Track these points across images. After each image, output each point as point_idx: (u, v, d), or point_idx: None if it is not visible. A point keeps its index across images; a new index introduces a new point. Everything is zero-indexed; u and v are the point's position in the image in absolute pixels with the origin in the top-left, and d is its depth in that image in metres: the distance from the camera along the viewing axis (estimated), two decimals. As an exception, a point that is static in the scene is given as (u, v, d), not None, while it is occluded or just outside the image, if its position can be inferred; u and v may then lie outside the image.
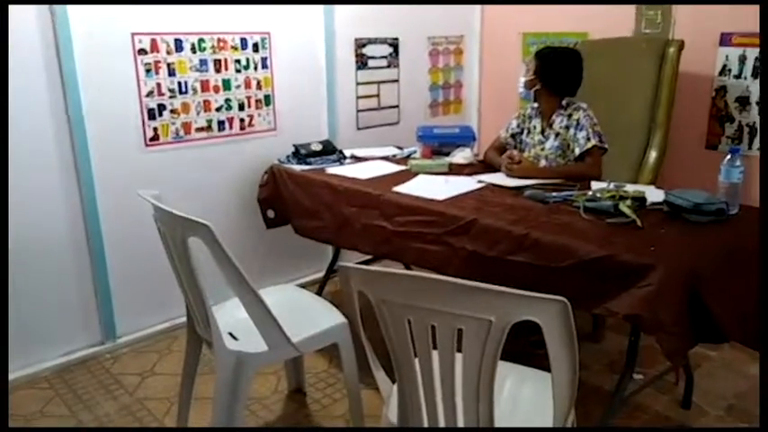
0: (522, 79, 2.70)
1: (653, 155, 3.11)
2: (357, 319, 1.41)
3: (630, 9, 3.43)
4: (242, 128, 3.10)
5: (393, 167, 2.84)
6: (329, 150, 3.01)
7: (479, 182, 2.53)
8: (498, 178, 2.56)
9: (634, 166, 3.12)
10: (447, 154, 2.97)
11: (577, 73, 2.65)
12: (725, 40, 3.15)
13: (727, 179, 2.05)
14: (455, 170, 2.75)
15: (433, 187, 2.44)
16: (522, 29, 3.91)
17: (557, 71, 2.66)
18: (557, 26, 3.73)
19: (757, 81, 3.09)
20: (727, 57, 3.16)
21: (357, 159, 3.05)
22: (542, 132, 2.71)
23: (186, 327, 2.13)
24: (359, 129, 3.61)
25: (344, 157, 3.04)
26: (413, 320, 1.25)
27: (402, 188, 2.46)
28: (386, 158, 3.04)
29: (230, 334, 1.94)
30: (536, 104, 2.79)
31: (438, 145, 3.00)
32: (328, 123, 3.43)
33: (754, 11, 3.00)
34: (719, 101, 3.25)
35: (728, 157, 2.05)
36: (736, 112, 3.20)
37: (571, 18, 3.66)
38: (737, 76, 3.16)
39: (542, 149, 2.69)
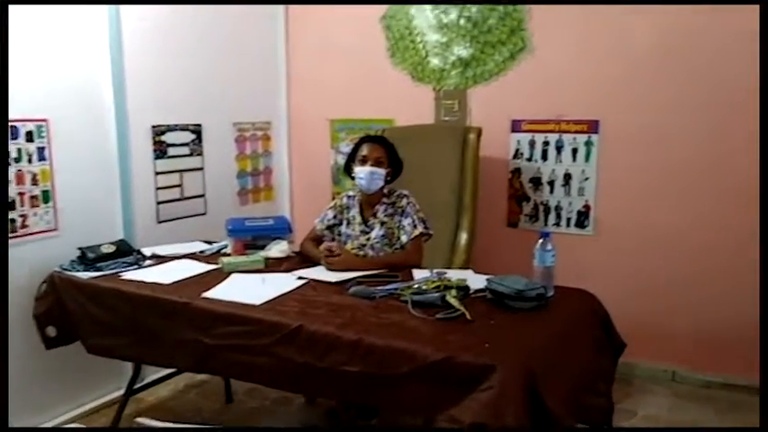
0: (377, 171, 2.53)
1: (464, 237, 3.19)
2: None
3: (431, 97, 3.59)
4: (12, 230, 2.60)
5: (201, 267, 2.55)
6: (124, 251, 2.63)
7: (299, 278, 2.34)
8: (319, 273, 2.40)
9: (447, 248, 3.17)
10: (262, 247, 2.75)
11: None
12: (515, 126, 3.41)
13: (542, 263, 2.10)
14: (272, 266, 2.54)
15: (248, 289, 2.20)
16: (330, 115, 3.91)
17: (398, 158, 2.63)
18: (363, 113, 3.78)
19: (546, 163, 3.37)
20: (518, 141, 3.42)
21: (159, 259, 2.69)
22: (365, 222, 2.63)
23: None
24: (160, 222, 3.25)
25: (144, 258, 2.67)
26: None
27: (214, 293, 2.18)
28: (193, 256, 2.74)
29: None
30: (352, 193, 2.72)
31: (251, 238, 2.77)
32: (123, 219, 3.03)
33: (539, 99, 3.30)
34: (516, 182, 3.48)
35: (540, 241, 2.11)
36: (531, 192, 3.45)
37: (377, 105, 3.73)
38: (529, 159, 3.42)
39: (367, 239, 2.59)
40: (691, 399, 3.03)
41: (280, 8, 3.91)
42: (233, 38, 3.61)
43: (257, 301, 2.06)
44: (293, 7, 3.90)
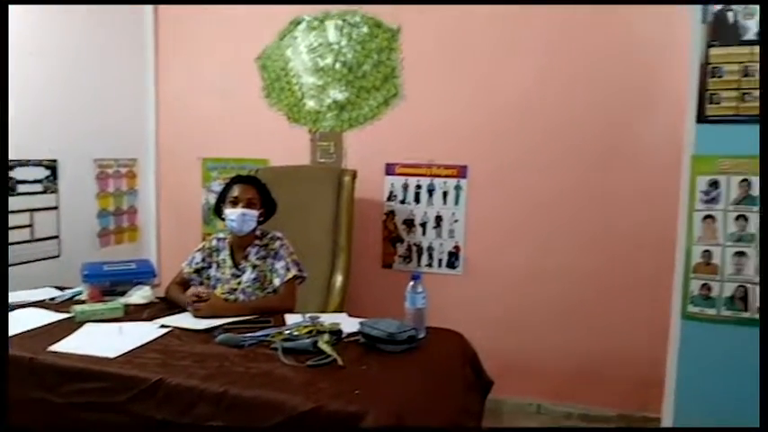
0: (249, 213, 2.47)
1: (339, 279, 3.18)
2: None
3: (306, 138, 3.59)
4: None
5: (50, 316, 2.32)
6: (-42, 301, 2.34)
7: (162, 326, 2.20)
8: (184, 320, 2.26)
9: (322, 291, 3.14)
10: (122, 293, 2.56)
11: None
12: (390, 169, 3.48)
13: (413, 305, 2.12)
14: (132, 313, 2.37)
15: (103, 340, 2.03)
16: (202, 153, 3.78)
17: (271, 199, 2.58)
18: (237, 152, 3.70)
19: (419, 205, 3.46)
20: (392, 184, 3.49)
21: (1, 308, 2.42)
22: (236, 265, 2.53)
23: None
24: (5, 266, 2.94)
25: (-18, 308, 2.39)
26: None
27: (62, 346, 1.99)
28: (41, 304, 2.49)
29: None
30: (222, 235, 2.62)
31: (110, 284, 2.58)
32: (-41, 264, 2.71)
33: (411, 144, 3.40)
34: (390, 223, 3.53)
35: (411, 283, 2.13)
36: (405, 233, 3.51)
37: (251, 145, 3.67)
38: (402, 201, 3.49)
39: (239, 283, 2.50)
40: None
41: (149, 39, 3.77)
42: (97, 69, 3.42)
43: (112, 354, 1.90)
44: (164, 39, 3.78)
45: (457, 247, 3.43)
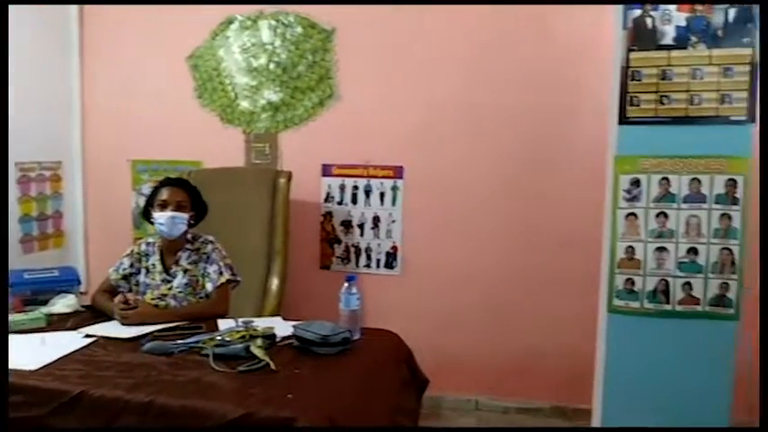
0: (179, 216, 2.41)
1: (275, 282, 3.14)
2: None
3: (241, 140, 3.53)
4: None
5: (-34, 329, 2.20)
6: None
7: (87, 336, 2.12)
8: (111, 329, 2.19)
9: (258, 294, 3.09)
10: (44, 302, 2.45)
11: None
12: (326, 171, 3.47)
13: (347, 307, 2.12)
14: (56, 323, 2.28)
15: (23, 352, 1.93)
16: (131, 156, 3.67)
17: (201, 202, 2.53)
18: (169, 154, 3.61)
19: (356, 206, 3.46)
20: (329, 185, 3.48)
21: None
22: (166, 270, 2.46)
23: None
24: None
25: None
26: None
27: (-22, 359, 1.88)
28: (-44, 316, 2.36)
29: None
30: (151, 239, 2.55)
31: (31, 293, 2.46)
32: None
33: (348, 145, 3.40)
34: (327, 225, 3.52)
35: (346, 285, 2.13)
36: (342, 235, 3.51)
37: (184, 147, 3.59)
38: (340, 203, 3.48)
39: (169, 289, 2.43)
40: (493, 425, 3.23)
41: (74, 38, 3.62)
42: (18, 67, 3.23)
43: (33, 366, 1.82)
44: (89, 37, 3.65)
45: (395, 248, 3.44)
